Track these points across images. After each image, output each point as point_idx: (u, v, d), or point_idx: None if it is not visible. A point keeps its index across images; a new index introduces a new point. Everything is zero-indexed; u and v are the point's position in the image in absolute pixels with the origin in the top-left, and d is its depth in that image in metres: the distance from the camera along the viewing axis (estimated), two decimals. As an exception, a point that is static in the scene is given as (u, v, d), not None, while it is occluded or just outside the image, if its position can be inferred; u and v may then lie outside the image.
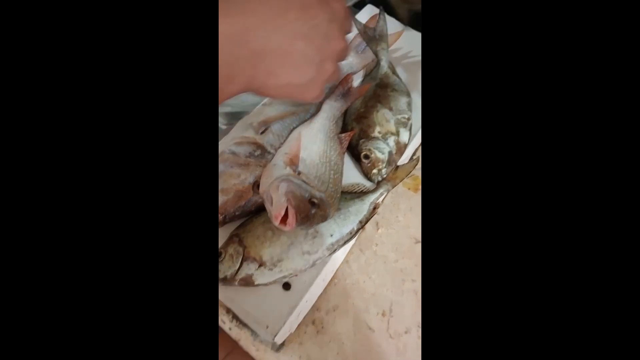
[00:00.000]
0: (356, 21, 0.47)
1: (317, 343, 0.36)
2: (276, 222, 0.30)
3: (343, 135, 0.40)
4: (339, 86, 0.42)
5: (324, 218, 0.33)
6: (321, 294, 0.38)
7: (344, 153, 0.40)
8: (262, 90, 0.27)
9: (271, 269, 0.34)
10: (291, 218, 0.30)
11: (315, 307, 0.37)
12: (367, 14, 0.57)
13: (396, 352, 0.35)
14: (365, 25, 0.48)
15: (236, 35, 0.24)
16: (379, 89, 0.48)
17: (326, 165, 0.36)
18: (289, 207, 0.30)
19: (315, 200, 0.33)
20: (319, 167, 0.35)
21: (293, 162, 0.35)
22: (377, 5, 0.59)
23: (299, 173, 0.35)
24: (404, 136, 0.44)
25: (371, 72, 0.50)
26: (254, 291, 0.34)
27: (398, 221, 0.43)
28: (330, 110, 0.41)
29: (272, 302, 0.34)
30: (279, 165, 0.35)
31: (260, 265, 0.34)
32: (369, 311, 0.37)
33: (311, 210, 0.32)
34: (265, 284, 0.34)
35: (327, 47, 0.27)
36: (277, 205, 0.31)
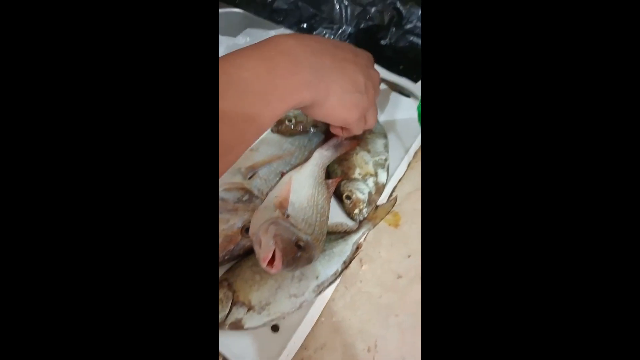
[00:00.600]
0: None
1: (306, 383, 0.37)
2: (263, 265, 0.32)
3: (330, 181, 0.43)
4: (333, 137, 0.45)
5: (309, 260, 0.35)
6: (309, 332, 0.39)
7: (330, 197, 0.42)
8: None
9: (260, 313, 0.36)
10: (277, 261, 0.32)
11: (303, 347, 0.39)
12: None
13: (382, 388, 0.37)
14: None
15: None
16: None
17: (314, 208, 0.38)
18: (276, 250, 0.32)
19: (302, 244, 0.35)
20: (306, 211, 0.38)
21: (283, 205, 0.38)
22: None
23: (288, 216, 0.37)
24: (382, 177, 0.47)
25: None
26: (243, 335, 0.36)
27: (380, 257, 0.45)
28: (321, 159, 0.44)
29: (262, 345, 0.35)
30: (269, 208, 0.38)
31: (249, 310, 0.36)
32: (356, 347, 0.39)
33: (297, 253, 0.34)
34: (255, 328, 0.36)
35: None
36: (264, 248, 0.33)
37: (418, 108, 0.50)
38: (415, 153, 0.52)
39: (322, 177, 0.43)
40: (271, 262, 0.32)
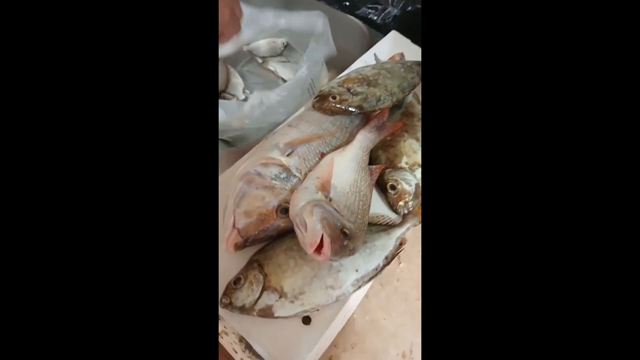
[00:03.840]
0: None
1: (332, 383, 0.34)
2: (310, 250, 0.29)
3: (374, 167, 0.39)
4: (374, 118, 0.41)
5: (353, 251, 0.32)
6: (340, 329, 0.36)
7: (373, 185, 0.39)
8: None
9: (292, 302, 0.32)
10: (327, 248, 0.29)
11: (333, 344, 0.35)
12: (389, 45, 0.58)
13: (417, 399, 0.33)
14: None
15: None
16: (405, 118, 0.48)
17: (356, 195, 0.35)
18: (325, 236, 0.29)
19: (347, 231, 0.31)
20: (349, 196, 0.34)
21: (325, 188, 0.34)
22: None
23: (330, 200, 0.33)
24: (431, 169, 0.43)
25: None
26: (272, 323, 0.33)
27: (420, 256, 0.41)
28: (364, 141, 0.40)
29: (291, 337, 0.32)
30: (310, 189, 0.34)
31: (280, 296, 0.32)
32: (388, 352, 0.36)
33: (343, 242, 0.31)
34: (285, 317, 0.32)
35: None
36: (312, 232, 0.29)
37: None
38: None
39: (365, 161, 0.39)
40: (318, 248, 0.28)
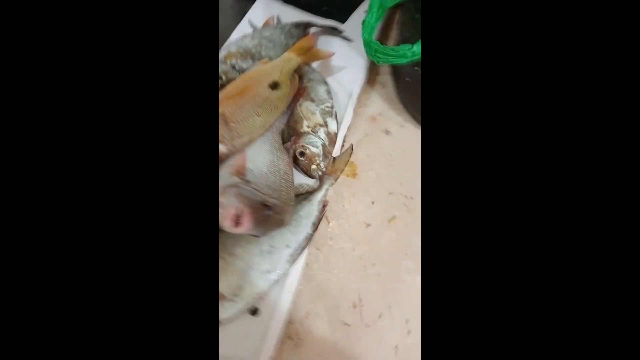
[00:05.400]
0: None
1: (298, 356, 0.35)
2: (227, 223, 0.27)
3: (289, 143, 0.38)
4: None
5: (281, 223, 0.31)
6: (290, 306, 0.36)
7: (292, 161, 0.38)
8: None
9: (233, 300, 0.31)
10: (246, 217, 0.27)
11: (288, 322, 0.35)
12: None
13: (375, 339, 0.36)
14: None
15: None
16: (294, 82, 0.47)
17: (276, 174, 0.34)
18: (242, 207, 0.28)
19: (269, 204, 0.30)
20: (268, 176, 0.33)
21: (240, 172, 0.32)
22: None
23: (248, 182, 0.32)
24: (332, 125, 0.43)
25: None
26: (221, 330, 0.31)
27: (345, 210, 0.43)
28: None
29: (243, 334, 0.31)
30: (223, 176, 0.32)
31: (219, 300, 0.31)
32: (340, 307, 0.37)
33: (264, 212, 0.30)
34: (231, 319, 0.31)
35: None
36: (227, 206, 0.28)
37: (367, 41, 0.44)
38: (359, 97, 0.49)
39: (278, 142, 0.38)
40: (236, 222, 0.27)
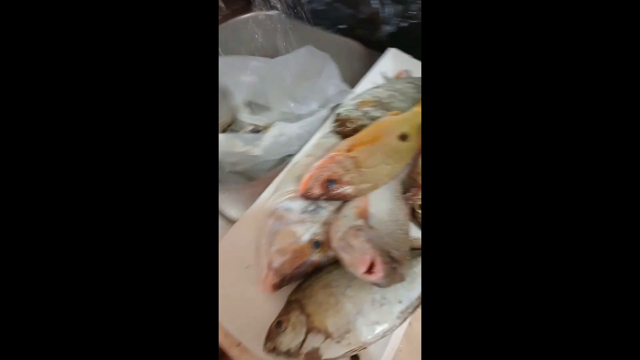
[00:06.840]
0: None
1: (387, 422, 0.32)
2: (361, 270, 0.28)
3: (408, 194, 0.39)
4: None
5: (402, 278, 0.31)
6: (387, 363, 0.35)
7: (410, 214, 0.38)
8: None
9: (339, 342, 0.31)
10: (379, 266, 0.28)
11: (382, 380, 0.34)
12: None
13: None
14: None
15: None
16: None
17: (395, 224, 0.34)
18: (375, 256, 0.28)
19: (394, 256, 0.30)
20: (388, 225, 0.33)
21: (363, 216, 0.33)
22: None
23: (371, 227, 0.33)
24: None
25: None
26: (320, 367, 0.31)
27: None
28: None
29: (340, 379, 0.31)
30: (350, 217, 0.34)
31: (327, 337, 0.31)
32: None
33: (392, 264, 0.30)
34: (334, 359, 0.31)
35: None
36: (361, 251, 0.29)
37: None
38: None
39: (399, 190, 0.39)
40: (369, 269, 0.27)
